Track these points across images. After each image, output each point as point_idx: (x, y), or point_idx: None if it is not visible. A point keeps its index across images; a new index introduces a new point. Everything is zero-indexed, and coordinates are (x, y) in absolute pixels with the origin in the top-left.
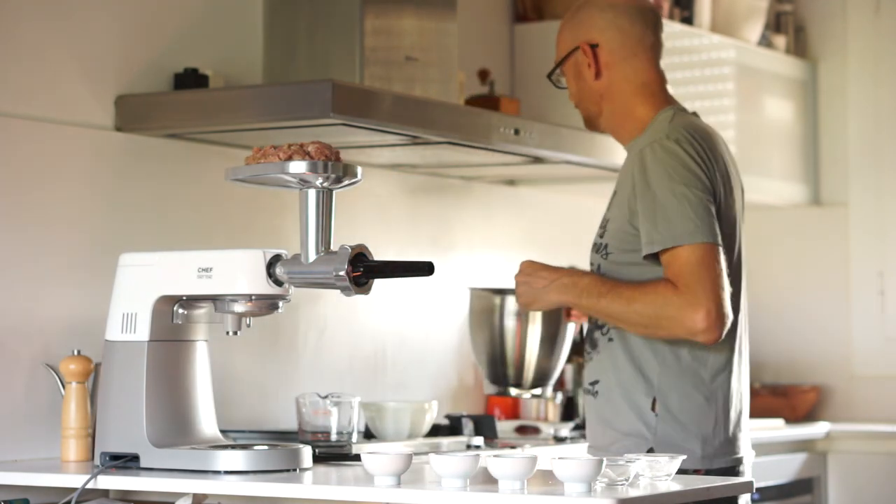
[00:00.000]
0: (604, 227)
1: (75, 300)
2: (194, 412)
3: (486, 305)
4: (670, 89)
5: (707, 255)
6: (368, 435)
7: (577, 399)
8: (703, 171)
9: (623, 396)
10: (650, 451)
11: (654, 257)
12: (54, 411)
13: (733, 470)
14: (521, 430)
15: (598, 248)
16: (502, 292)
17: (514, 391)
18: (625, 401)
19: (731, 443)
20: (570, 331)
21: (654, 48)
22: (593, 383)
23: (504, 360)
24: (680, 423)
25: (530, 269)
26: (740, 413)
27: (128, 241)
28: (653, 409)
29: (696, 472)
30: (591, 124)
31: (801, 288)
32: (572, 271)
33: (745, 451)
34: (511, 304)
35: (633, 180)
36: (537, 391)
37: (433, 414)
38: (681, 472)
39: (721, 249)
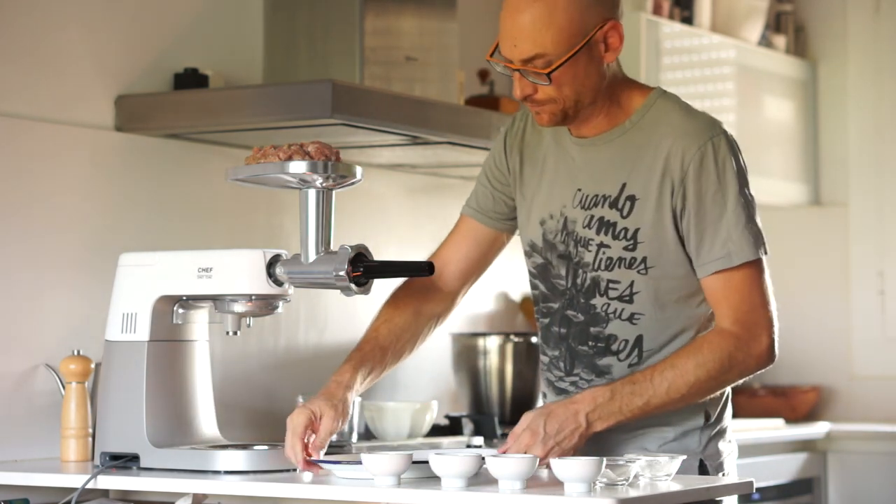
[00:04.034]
0: (630, 238)
1: (75, 300)
2: (194, 412)
3: (465, 348)
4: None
5: (758, 271)
6: (368, 435)
7: None
8: (745, 162)
9: (657, 417)
10: (701, 463)
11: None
12: (54, 411)
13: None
14: None
15: (629, 264)
16: (481, 335)
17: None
18: (660, 421)
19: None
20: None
21: None
22: None
23: (488, 396)
24: (719, 427)
25: (540, 436)
26: None
27: (128, 241)
28: (706, 421)
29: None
30: (563, 119)
31: (801, 288)
32: (587, 398)
33: None
34: (491, 343)
35: (683, 181)
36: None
37: (433, 414)
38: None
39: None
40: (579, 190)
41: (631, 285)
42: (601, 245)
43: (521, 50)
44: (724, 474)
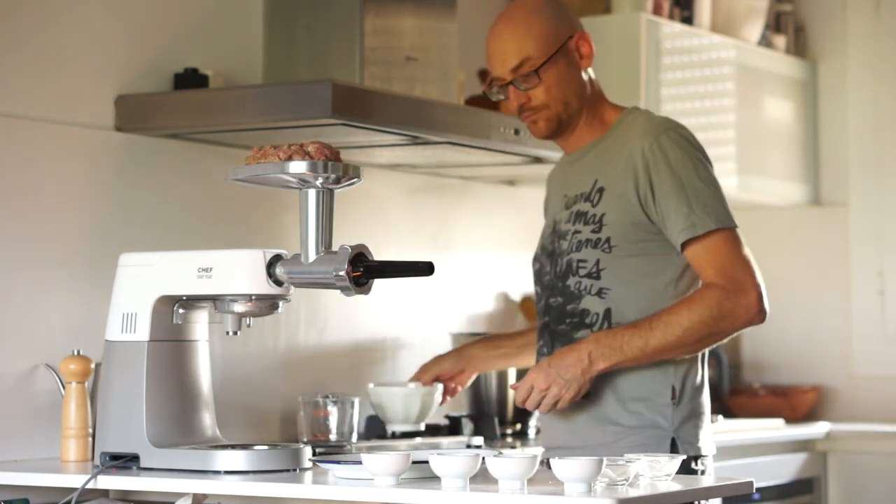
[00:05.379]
0: (597, 222)
1: (75, 300)
2: (194, 412)
3: None
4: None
5: (737, 238)
6: (376, 422)
7: None
8: (709, 159)
9: (627, 393)
10: (673, 441)
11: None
12: (54, 411)
13: (701, 458)
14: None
15: (594, 244)
16: (481, 335)
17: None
18: (630, 396)
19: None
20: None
21: None
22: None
23: (487, 396)
24: (692, 409)
25: (545, 370)
26: None
27: (128, 241)
28: (672, 397)
29: (695, 458)
30: (559, 127)
31: (801, 288)
32: (590, 339)
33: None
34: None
35: (646, 170)
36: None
37: (439, 394)
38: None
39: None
40: (565, 195)
41: (597, 263)
42: (575, 232)
43: (509, 62)
44: (702, 470)
